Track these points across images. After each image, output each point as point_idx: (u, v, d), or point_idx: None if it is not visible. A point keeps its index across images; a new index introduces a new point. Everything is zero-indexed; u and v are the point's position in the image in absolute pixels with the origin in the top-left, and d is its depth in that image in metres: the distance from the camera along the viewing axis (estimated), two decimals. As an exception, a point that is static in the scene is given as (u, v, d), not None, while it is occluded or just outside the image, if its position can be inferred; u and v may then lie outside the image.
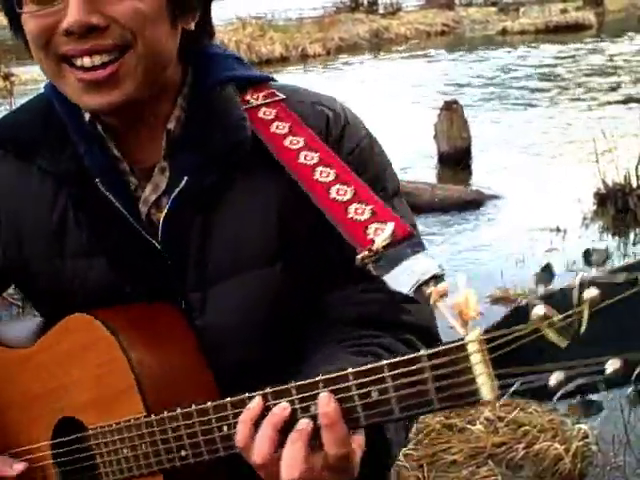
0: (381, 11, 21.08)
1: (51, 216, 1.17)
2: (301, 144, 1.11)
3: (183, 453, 1.03)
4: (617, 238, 5.73)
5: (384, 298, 1.08)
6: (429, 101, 10.13)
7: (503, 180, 6.99)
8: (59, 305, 1.19)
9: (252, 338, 1.13)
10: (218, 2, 1.23)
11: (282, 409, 0.93)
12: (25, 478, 1.21)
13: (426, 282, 0.94)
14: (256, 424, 0.94)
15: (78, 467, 1.17)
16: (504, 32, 18.57)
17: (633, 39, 15.58)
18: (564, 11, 19.68)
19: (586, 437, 3.24)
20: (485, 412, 3.39)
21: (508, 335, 0.75)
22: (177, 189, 1.11)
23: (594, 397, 0.73)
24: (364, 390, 0.88)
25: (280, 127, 1.13)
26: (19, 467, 1.20)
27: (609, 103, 10.01)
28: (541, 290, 0.74)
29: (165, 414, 1.03)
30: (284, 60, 16.14)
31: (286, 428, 0.92)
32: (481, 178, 7.26)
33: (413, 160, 7.73)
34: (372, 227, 1.02)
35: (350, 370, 0.89)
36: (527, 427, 3.31)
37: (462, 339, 0.81)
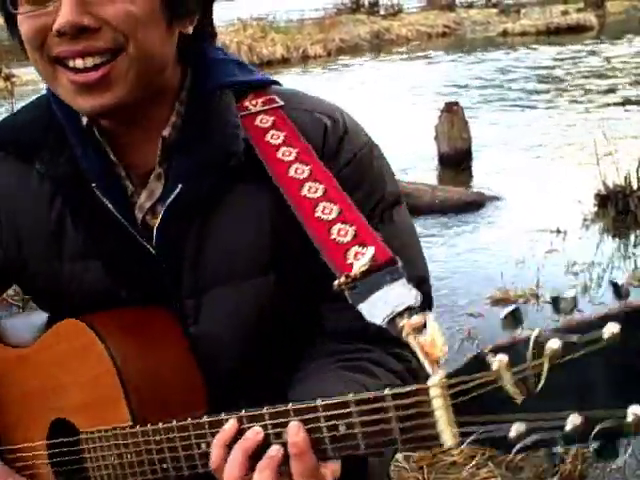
0: (382, 12, 21.09)
1: (49, 217, 1.17)
2: (293, 156, 1.09)
3: (165, 466, 1.03)
4: (617, 240, 5.72)
5: None
6: (429, 102, 10.13)
7: (503, 181, 6.99)
8: (58, 305, 1.20)
9: (245, 347, 1.13)
10: (219, 3, 1.22)
11: (255, 434, 0.93)
12: (23, 475, 1.23)
13: (400, 313, 0.93)
14: (229, 446, 0.94)
15: (71, 469, 1.18)
16: (505, 34, 18.58)
17: (632, 41, 15.57)
18: (565, 13, 19.69)
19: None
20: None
21: (469, 382, 0.73)
22: (171, 197, 1.10)
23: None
24: (332, 423, 0.87)
25: (275, 136, 1.11)
26: None
27: (609, 105, 10.00)
28: (505, 338, 0.72)
29: (149, 427, 1.03)
30: (285, 61, 16.15)
31: (258, 453, 0.92)
32: (482, 179, 7.26)
33: (413, 161, 7.73)
34: (352, 250, 1.01)
35: (319, 402, 0.88)
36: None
37: (425, 382, 0.79)
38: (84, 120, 1.13)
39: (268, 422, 0.92)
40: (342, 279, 0.99)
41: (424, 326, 0.87)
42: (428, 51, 16.93)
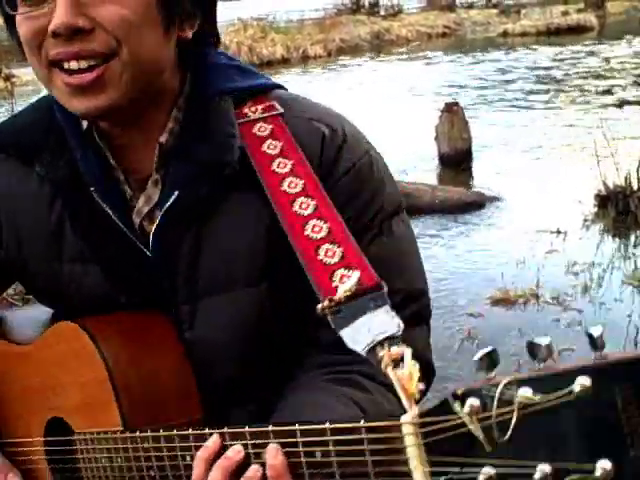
0: (382, 13, 21.11)
1: (49, 219, 1.17)
2: (288, 168, 1.08)
3: (152, 473, 1.04)
4: (618, 240, 5.72)
5: None
6: (429, 103, 10.14)
7: (504, 182, 6.99)
8: (59, 305, 1.22)
9: (240, 354, 1.13)
10: (221, 3, 1.21)
11: (236, 452, 0.93)
12: (22, 469, 1.25)
13: (381, 343, 0.92)
14: (211, 463, 0.94)
15: (65, 467, 1.19)
16: (505, 34, 18.59)
17: (632, 42, 15.57)
18: (565, 13, 19.70)
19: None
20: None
21: (440, 423, 0.73)
22: (168, 203, 1.10)
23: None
24: (309, 449, 0.87)
25: (272, 146, 1.10)
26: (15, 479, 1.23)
27: (609, 105, 10.01)
28: (478, 382, 0.71)
29: (137, 433, 1.04)
30: (285, 62, 16.16)
31: (238, 471, 0.93)
32: (482, 180, 7.26)
33: (414, 161, 7.73)
34: (338, 273, 1.00)
35: (297, 427, 0.88)
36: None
37: (398, 418, 0.78)
38: (84, 124, 1.14)
39: (249, 441, 0.93)
40: (326, 303, 0.98)
41: (402, 359, 0.86)
42: (428, 51, 16.93)
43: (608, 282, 4.92)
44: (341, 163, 1.12)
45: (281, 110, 1.14)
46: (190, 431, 0.98)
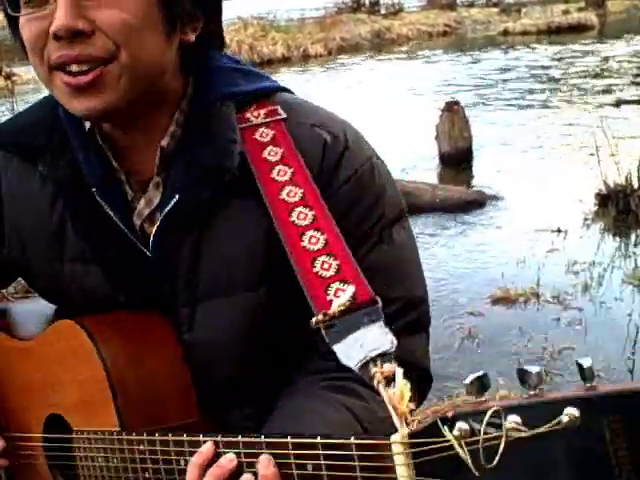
0: (383, 11, 21.11)
1: (51, 219, 1.17)
2: (288, 176, 1.08)
3: (147, 475, 1.05)
4: (618, 239, 5.72)
5: None
6: (429, 102, 10.13)
7: (504, 181, 6.99)
8: (61, 304, 1.23)
9: (239, 355, 1.13)
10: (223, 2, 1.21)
11: (228, 461, 0.94)
12: (19, 463, 1.27)
13: (374, 359, 0.92)
14: (205, 469, 0.95)
15: (63, 463, 1.21)
16: (506, 33, 18.58)
17: (633, 41, 15.56)
18: (566, 12, 19.70)
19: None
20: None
21: (430, 445, 0.73)
22: (169, 206, 1.10)
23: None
24: (300, 461, 0.88)
25: (272, 153, 1.10)
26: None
27: (609, 104, 10.00)
28: (468, 406, 0.71)
29: (133, 435, 1.05)
30: (286, 60, 16.15)
31: (230, 479, 0.93)
32: (482, 179, 7.26)
33: (414, 160, 7.73)
34: (333, 287, 1.00)
35: (290, 439, 0.89)
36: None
37: (389, 437, 0.79)
38: (87, 124, 1.14)
39: (242, 450, 0.93)
40: (320, 317, 0.98)
41: (395, 377, 0.86)
42: (429, 50, 16.93)
43: (608, 281, 4.92)
44: (342, 171, 1.11)
45: (284, 115, 1.13)
46: (185, 436, 0.99)
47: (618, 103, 10.03)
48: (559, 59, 14.28)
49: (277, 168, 1.09)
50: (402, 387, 0.84)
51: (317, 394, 1.08)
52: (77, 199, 1.15)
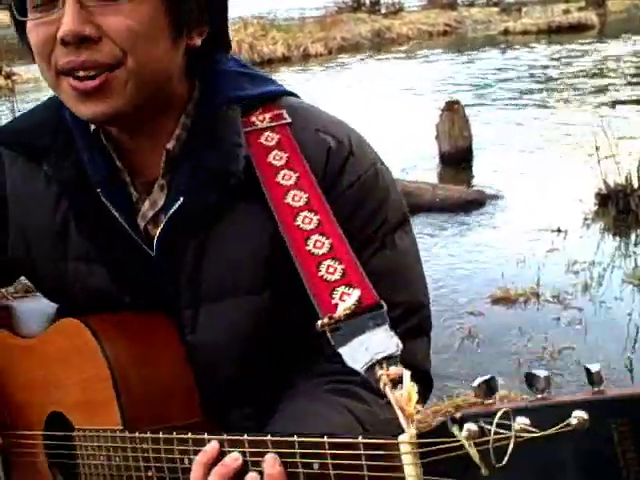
0: (383, 11, 21.11)
1: (55, 218, 1.18)
2: (293, 180, 1.08)
3: (149, 474, 1.05)
4: (618, 239, 5.72)
5: None
6: (430, 101, 10.13)
7: (504, 180, 6.99)
8: (65, 303, 1.23)
9: (241, 355, 1.14)
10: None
11: (233, 460, 0.94)
12: (21, 460, 1.27)
13: (380, 362, 0.93)
14: (209, 468, 0.95)
15: (64, 461, 1.20)
16: (506, 32, 18.59)
17: (633, 40, 15.56)
18: (566, 12, 19.70)
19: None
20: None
21: (438, 445, 0.75)
22: (173, 208, 1.11)
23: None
24: (307, 460, 0.88)
25: (277, 157, 1.10)
26: None
27: (610, 104, 10.00)
28: (476, 407, 0.73)
29: (137, 434, 1.05)
30: (286, 60, 16.15)
31: (235, 478, 0.94)
32: (482, 178, 7.26)
33: (414, 160, 7.73)
34: (339, 291, 1.01)
35: (296, 438, 0.89)
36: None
37: (397, 437, 0.80)
38: (92, 125, 1.14)
39: (247, 449, 0.93)
40: (325, 320, 0.99)
41: (401, 379, 0.87)
42: (429, 50, 16.93)
43: (608, 281, 4.92)
44: (345, 176, 1.11)
45: (289, 120, 1.14)
46: (189, 435, 0.99)
47: (618, 103, 10.03)
48: (559, 59, 14.28)
49: (282, 172, 1.09)
50: (409, 389, 0.85)
51: (320, 397, 1.08)
52: (82, 199, 1.16)
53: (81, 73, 1.02)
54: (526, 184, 6.81)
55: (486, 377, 0.73)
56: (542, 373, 0.70)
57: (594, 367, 0.69)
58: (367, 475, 0.82)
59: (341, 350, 0.97)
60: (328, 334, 0.98)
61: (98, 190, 1.13)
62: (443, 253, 5.53)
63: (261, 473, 0.91)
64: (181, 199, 1.10)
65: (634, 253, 5.40)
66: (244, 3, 20.00)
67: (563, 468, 0.67)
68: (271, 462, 0.90)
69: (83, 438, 1.14)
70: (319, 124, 1.15)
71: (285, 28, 17.86)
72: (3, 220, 1.23)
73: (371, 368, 0.93)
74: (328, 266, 1.03)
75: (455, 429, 0.72)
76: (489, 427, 0.70)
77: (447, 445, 0.73)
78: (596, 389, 0.69)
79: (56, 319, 1.21)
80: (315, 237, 1.05)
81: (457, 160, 7.61)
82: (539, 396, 0.70)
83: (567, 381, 3.63)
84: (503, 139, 8.49)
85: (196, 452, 0.97)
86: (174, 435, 1.01)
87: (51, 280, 1.21)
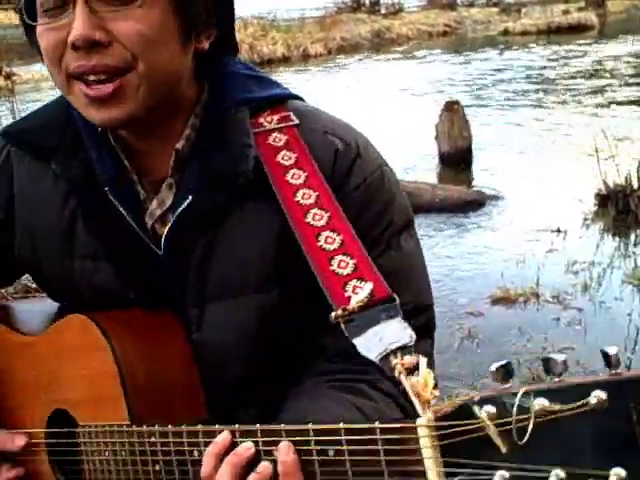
0: (383, 11, 21.13)
1: (61, 216, 1.19)
2: (302, 180, 1.10)
3: (157, 467, 1.05)
4: (618, 239, 5.72)
5: None
6: (429, 101, 10.13)
7: (504, 180, 6.99)
8: (71, 303, 1.23)
9: (248, 354, 1.14)
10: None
11: (246, 449, 0.94)
12: (21, 459, 1.26)
13: (394, 352, 0.94)
14: (221, 458, 0.95)
15: (66, 459, 1.20)
16: (506, 33, 18.61)
17: (633, 41, 15.56)
18: (566, 12, 19.72)
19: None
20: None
21: (457, 427, 0.76)
22: (182, 206, 1.12)
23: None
24: (322, 447, 0.89)
25: (286, 157, 1.12)
26: (20, 442, 1.23)
27: (610, 104, 10.00)
28: (494, 390, 0.74)
29: (144, 428, 1.05)
30: (286, 60, 16.15)
31: (248, 467, 0.94)
32: (482, 178, 7.27)
33: (414, 160, 7.73)
34: (351, 284, 1.02)
35: (311, 426, 0.90)
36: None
37: (414, 421, 0.81)
38: None
39: (260, 439, 0.94)
40: (339, 312, 1.00)
41: (416, 367, 0.89)
42: (429, 50, 16.94)
43: (608, 281, 4.92)
44: (352, 178, 1.13)
45: (297, 121, 1.15)
46: (200, 427, 0.99)
47: (618, 103, 10.03)
48: (558, 59, 14.28)
49: (291, 172, 1.10)
50: (426, 375, 0.86)
51: (324, 394, 1.08)
52: (90, 197, 1.16)
53: (91, 77, 1.03)
54: (526, 184, 6.81)
55: (503, 362, 0.75)
56: (559, 357, 0.72)
57: (612, 350, 0.71)
58: (384, 460, 0.83)
59: (355, 341, 0.98)
60: (342, 325, 0.99)
61: (106, 188, 1.14)
62: (442, 253, 5.53)
63: (274, 462, 0.92)
64: (190, 198, 1.11)
65: (634, 253, 5.40)
66: (244, 3, 20.01)
67: (582, 446, 0.69)
68: (285, 450, 0.91)
69: (88, 434, 1.14)
70: (327, 126, 1.16)
71: (285, 28, 17.87)
72: (9, 219, 1.24)
73: (385, 357, 0.94)
74: (340, 261, 1.04)
75: (477, 409, 0.73)
76: (509, 408, 0.71)
77: (466, 427, 0.74)
78: (614, 372, 0.70)
79: (56, 319, 1.21)
80: (326, 233, 1.06)
81: (457, 160, 7.61)
82: (556, 380, 0.71)
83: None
84: (503, 139, 8.50)
85: (206, 444, 0.97)
86: (183, 427, 1.01)
87: (57, 279, 1.22)
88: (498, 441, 0.72)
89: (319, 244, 1.05)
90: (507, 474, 0.72)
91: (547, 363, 0.72)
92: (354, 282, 1.02)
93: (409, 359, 0.91)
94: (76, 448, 1.17)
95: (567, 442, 0.69)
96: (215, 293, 1.13)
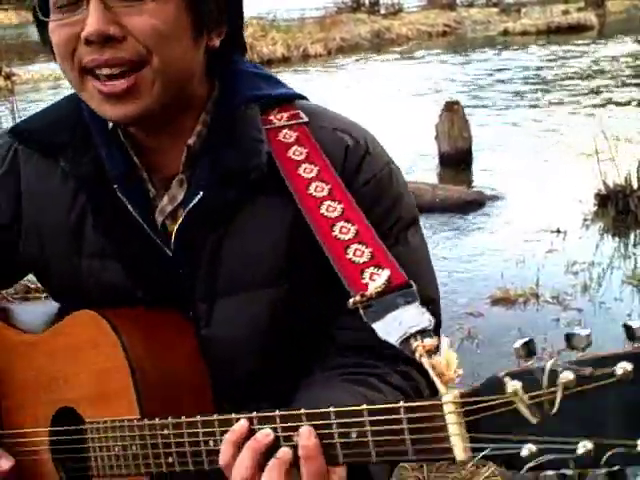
0: (382, 11, 21.13)
1: (70, 214, 1.19)
2: (314, 173, 1.11)
3: (170, 460, 1.05)
4: (617, 239, 5.72)
5: None
6: (429, 102, 10.13)
7: (504, 181, 6.99)
8: (77, 302, 1.22)
9: (259, 349, 1.15)
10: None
11: (265, 435, 0.94)
12: (21, 459, 1.25)
13: (414, 335, 0.95)
14: (239, 446, 0.95)
15: (71, 457, 1.20)
16: (505, 33, 18.60)
17: (632, 41, 15.56)
18: (566, 12, 19.71)
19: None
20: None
21: (483, 402, 0.77)
22: (193, 202, 1.12)
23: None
24: (344, 430, 0.89)
25: (297, 153, 1.13)
26: (8, 464, 1.22)
27: (610, 104, 10.00)
28: (520, 365, 0.76)
29: (157, 420, 1.05)
30: (285, 60, 16.15)
31: (267, 453, 0.94)
32: (482, 179, 7.26)
33: (414, 160, 7.73)
34: (368, 271, 1.04)
35: (332, 409, 0.90)
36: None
37: (440, 398, 0.82)
38: (110, 123, 1.16)
39: (279, 425, 0.94)
40: (357, 297, 1.01)
41: (437, 349, 0.90)
42: (428, 50, 16.93)
43: (608, 281, 4.92)
44: (362, 174, 1.15)
45: (306, 119, 1.17)
46: (215, 416, 0.99)
47: (617, 103, 10.03)
48: (558, 59, 14.28)
49: (303, 166, 1.12)
50: (448, 355, 0.88)
51: (336, 385, 1.09)
52: (99, 195, 1.17)
53: (105, 71, 1.04)
54: (525, 185, 6.81)
55: (525, 339, 0.77)
56: (583, 332, 0.73)
57: (635, 323, 0.72)
58: (409, 438, 0.84)
59: (375, 325, 0.99)
60: (361, 311, 1.01)
61: (115, 186, 1.14)
62: (442, 253, 5.52)
63: (293, 447, 0.92)
64: (201, 193, 1.12)
65: (633, 254, 5.40)
66: (244, 3, 20.00)
67: (609, 417, 0.70)
68: (306, 434, 0.91)
69: (96, 430, 1.13)
70: (335, 124, 1.18)
71: (285, 29, 17.86)
72: (16, 218, 1.23)
73: (406, 341, 0.95)
74: (355, 249, 1.06)
75: (507, 382, 0.75)
76: (535, 383, 0.73)
77: (491, 403, 0.76)
78: (637, 345, 0.71)
79: (57, 320, 1.21)
80: (340, 224, 1.08)
81: (457, 161, 7.61)
82: (580, 354, 0.73)
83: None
84: (502, 140, 8.50)
85: (222, 433, 0.97)
86: (198, 418, 1.01)
87: (64, 277, 1.22)
88: (527, 414, 0.73)
89: (334, 234, 1.07)
90: (535, 447, 0.73)
91: (571, 339, 0.74)
92: (371, 269, 1.04)
93: (430, 341, 0.92)
94: (82, 445, 1.16)
95: (594, 414, 0.71)
96: (226, 288, 1.13)
